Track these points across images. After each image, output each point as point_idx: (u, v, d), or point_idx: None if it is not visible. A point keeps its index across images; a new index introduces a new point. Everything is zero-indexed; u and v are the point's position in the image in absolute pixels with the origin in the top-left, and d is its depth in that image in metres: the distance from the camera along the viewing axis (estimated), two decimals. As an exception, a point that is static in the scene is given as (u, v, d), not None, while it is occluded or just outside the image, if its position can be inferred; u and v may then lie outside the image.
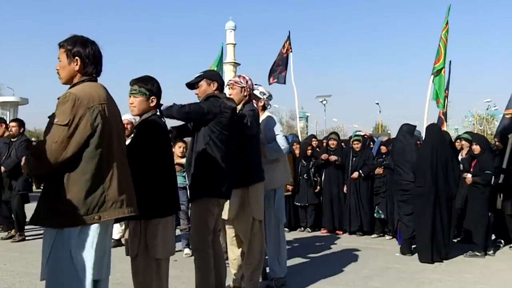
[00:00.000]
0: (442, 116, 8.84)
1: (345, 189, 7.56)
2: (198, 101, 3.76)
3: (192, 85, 3.80)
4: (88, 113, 2.32)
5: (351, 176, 7.45)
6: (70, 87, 2.46)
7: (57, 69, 2.51)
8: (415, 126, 6.50)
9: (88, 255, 2.32)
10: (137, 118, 3.16)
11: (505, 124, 7.33)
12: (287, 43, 10.76)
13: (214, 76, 3.80)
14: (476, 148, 6.21)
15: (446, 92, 9.07)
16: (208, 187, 3.56)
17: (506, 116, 7.96)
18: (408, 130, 6.26)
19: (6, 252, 6.03)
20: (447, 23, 8.25)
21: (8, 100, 23.30)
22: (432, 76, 8.13)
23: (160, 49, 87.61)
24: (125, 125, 6.02)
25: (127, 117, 6.16)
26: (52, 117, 2.36)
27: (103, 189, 2.35)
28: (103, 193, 2.35)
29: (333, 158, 7.60)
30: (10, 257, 5.71)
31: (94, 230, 2.34)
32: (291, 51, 10.74)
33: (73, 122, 2.28)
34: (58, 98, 2.37)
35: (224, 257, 3.96)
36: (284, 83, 10.84)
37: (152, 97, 3.05)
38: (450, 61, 9.42)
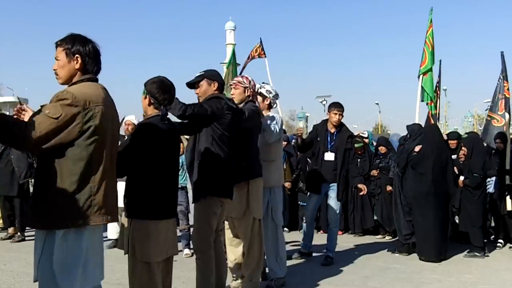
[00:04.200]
0: (431, 117, 8.80)
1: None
2: (198, 101, 3.76)
3: (192, 85, 3.79)
4: (81, 114, 2.26)
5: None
6: (69, 86, 2.41)
7: (54, 69, 2.46)
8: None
9: (79, 260, 2.29)
10: (139, 120, 3.19)
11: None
12: (260, 48, 10.97)
13: (215, 76, 3.78)
14: (463, 150, 6.24)
15: (438, 92, 9.05)
16: (212, 186, 3.56)
17: (488, 118, 7.98)
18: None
19: (6, 252, 6.02)
20: (430, 25, 8.25)
21: (8, 100, 23.35)
22: (420, 78, 8.17)
23: (160, 49, 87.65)
24: (127, 126, 6.09)
25: (129, 118, 6.18)
26: (43, 106, 2.30)
27: (90, 193, 2.30)
28: (90, 197, 2.30)
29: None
30: (9, 258, 5.70)
31: (83, 234, 2.30)
32: (265, 56, 10.97)
33: (63, 118, 2.22)
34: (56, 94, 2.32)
35: (225, 257, 3.96)
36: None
37: (147, 95, 3.10)
38: (440, 60, 9.39)
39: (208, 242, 3.59)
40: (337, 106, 5.58)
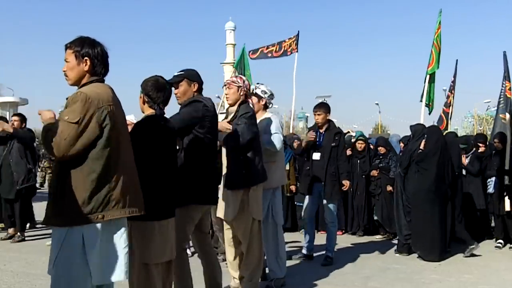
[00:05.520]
0: (443, 115, 8.82)
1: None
2: (177, 100, 3.68)
3: (170, 84, 3.72)
4: (97, 113, 2.34)
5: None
6: (79, 88, 2.48)
7: (64, 71, 2.52)
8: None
9: (96, 255, 2.33)
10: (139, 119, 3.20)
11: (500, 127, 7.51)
12: (294, 42, 10.68)
13: (195, 76, 3.69)
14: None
15: (453, 91, 9.09)
16: (196, 193, 3.47)
17: (503, 121, 7.98)
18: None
19: (6, 253, 6.00)
20: (439, 27, 8.27)
21: (8, 100, 23.25)
22: (427, 79, 8.17)
23: (160, 49, 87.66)
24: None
25: (129, 118, 6.19)
26: (61, 113, 2.38)
27: (108, 189, 2.37)
28: (108, 193, 2.36)
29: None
30: (9, 258, 5.69)
31: (99, 230, 2.35)
32: (297, 51, 10.67)
33: (83, 121, 2.30)
34: (67, 98, 2.39)
35: (217, 257, 3.95)
36: (265, 57, 10.82)
37: (142, 94, 3.12)
38: (457, 60, 9.45)
39: (180, 247, 3.45)
40: (317, 107, 5.72)
